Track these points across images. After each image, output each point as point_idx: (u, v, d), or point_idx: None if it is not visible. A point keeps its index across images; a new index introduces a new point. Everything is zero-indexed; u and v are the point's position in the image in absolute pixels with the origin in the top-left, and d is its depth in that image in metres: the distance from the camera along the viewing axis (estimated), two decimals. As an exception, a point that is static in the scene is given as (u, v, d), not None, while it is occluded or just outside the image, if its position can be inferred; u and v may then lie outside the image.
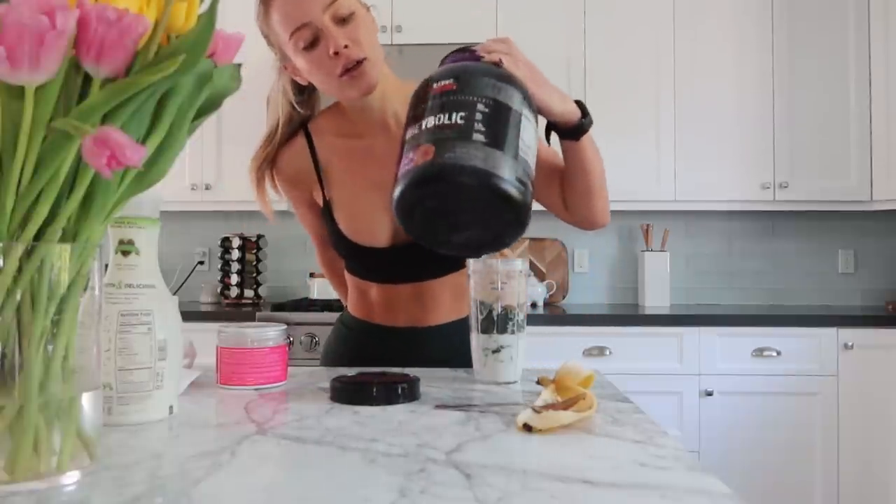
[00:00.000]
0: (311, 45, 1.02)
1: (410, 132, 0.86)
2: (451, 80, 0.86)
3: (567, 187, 1.10)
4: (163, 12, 0.53)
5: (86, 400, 0.54)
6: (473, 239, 0.88)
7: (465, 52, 0.94)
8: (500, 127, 0.83)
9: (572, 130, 0.99)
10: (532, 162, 0.87)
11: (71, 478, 0.52)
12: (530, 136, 0.87)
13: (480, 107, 0.83)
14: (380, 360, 1.10)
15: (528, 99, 0.89)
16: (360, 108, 1.13)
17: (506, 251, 3.13)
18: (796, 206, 2.88)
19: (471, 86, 0.85)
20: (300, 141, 1.18)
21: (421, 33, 2.82)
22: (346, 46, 1.01)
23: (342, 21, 1.02)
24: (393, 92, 1.12)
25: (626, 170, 2.79)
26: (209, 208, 3.01)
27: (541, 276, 3.08)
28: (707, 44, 2.88)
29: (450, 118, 0.82)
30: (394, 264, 1.17)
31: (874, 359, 2.52)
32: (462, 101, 0.84)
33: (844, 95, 2.86)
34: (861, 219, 3.10)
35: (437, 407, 0.81)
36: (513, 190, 0.80)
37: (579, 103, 1.00)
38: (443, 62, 0.95)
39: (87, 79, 0.52)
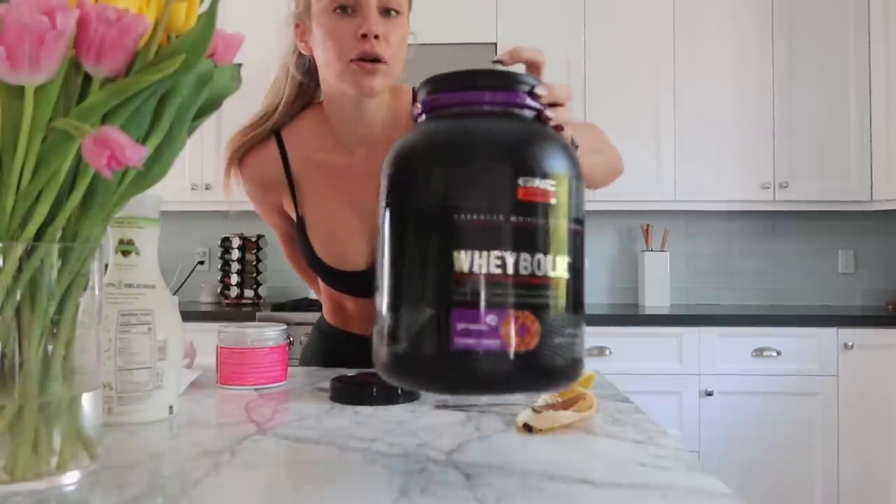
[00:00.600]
0: (343, 13, 0.95)
1: (482, 259, 0.48)
2: (551, 185, 0.51)
3: None
4: (163, 12, 0.53)
5: (86, 400, 0.54)
6: None
7: (514, 84, 0.55)
8: (582, 264, 0.54)
9: None
10: None
11: (71, 478, 0.52)
12: None
13: (578, 241, 0.53)
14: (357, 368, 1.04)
15: None
16: (346, 115, 1.03)
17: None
18: (796, 206, 2.88)
19: (569, 197, 0.52)
20: (272, 148, 1.08)
21: (421, 34, 2.82)
22: (376, 36, 0.94)
23: (386, 13, 0.96)
24: (385, 105, 1.05)
25: (626, 170, 2.78)
26: (209, 208, 3.01)
27: (541, 276, 3.08)
28: (707, 46, 2.88)
29: (555, 267, 0.50)
30: (371, 286, 1.11)
31: (874, 359, 2.51)
32: (561, 230, 0.51)
33: (844, 96, 2.86)
34: (861, 219, 3.10)
35: (437, 407, 0.81)
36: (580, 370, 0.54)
37: None
38: (469, 79, 0.55)
39: (87, 79, 0.52)
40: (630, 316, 2.64)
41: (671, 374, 2.54)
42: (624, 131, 2.82)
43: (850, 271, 3.15)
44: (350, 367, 1.08)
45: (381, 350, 0.52)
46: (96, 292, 0.55)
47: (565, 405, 0.72)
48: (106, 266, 0.72)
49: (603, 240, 3.19)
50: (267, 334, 0.93)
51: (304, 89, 1.09)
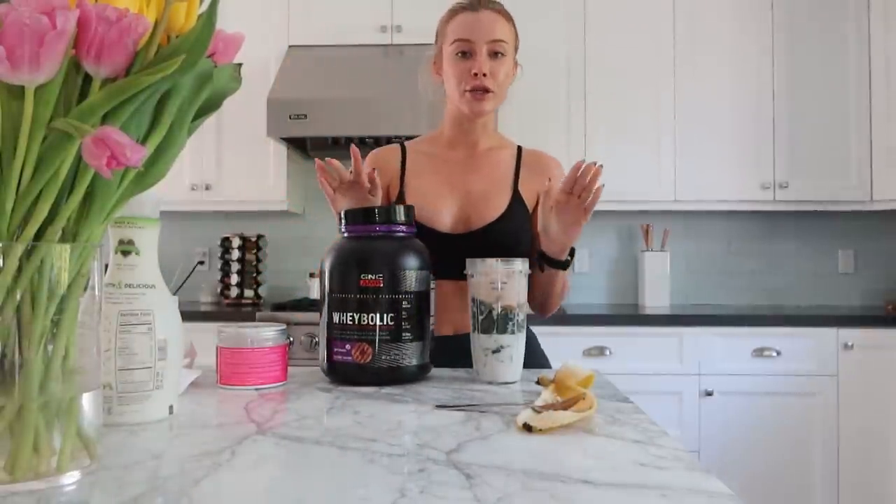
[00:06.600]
0: (463, 56, 1.27)
1: None
2: (377, 276, 1.00)
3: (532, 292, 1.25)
4: (163, 12, 0.53)
5: (86, 400, 0.54)
6: None
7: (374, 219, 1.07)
8: (410, 310, 0.98)
9: (561, 262, 1.21)
10: None
11: (71, 478, 0.52)
12: None
13: (402, 303, 0.97)
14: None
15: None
16: (460, 123, 1.34)
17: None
18: (796, 206, 2.88)
19: (392, 282, 0.97)
20: (396, 149, 1.38)
21: (421, 33, 2.82)
22: (484, 74, 1.25)
23: (494, 55, 1.27)
24: (491, 131, 1.38)
25: (626, 170, 2.79)
26: (209, 208, 3.01)
27: (541, 276, 3.08)
28: (707, 46, 2.88)
29: (381, 320, 0.96)
30: (451, 251, 1.19)
31: (874, 359, 2.51)
32: (385, 301, 0.96)
33: (844, 95, 2.86)
34: (861, 219, 3.10)
35: (438, 407, 0.81)
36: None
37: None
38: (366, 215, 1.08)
39: (87, 79, 0.52)
40: (630, 316, 2.64)
41: (671, 374, 2.54)
42: (624, 129, 2.83)
43: (850, 271, 3.15)
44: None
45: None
46: (96, 292, 0.56)
47: (565, 405, 0.72)
48: (106, 266, 0.72)
49: (603, 240, 3.19)
50: (267, 334, 0.93)
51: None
